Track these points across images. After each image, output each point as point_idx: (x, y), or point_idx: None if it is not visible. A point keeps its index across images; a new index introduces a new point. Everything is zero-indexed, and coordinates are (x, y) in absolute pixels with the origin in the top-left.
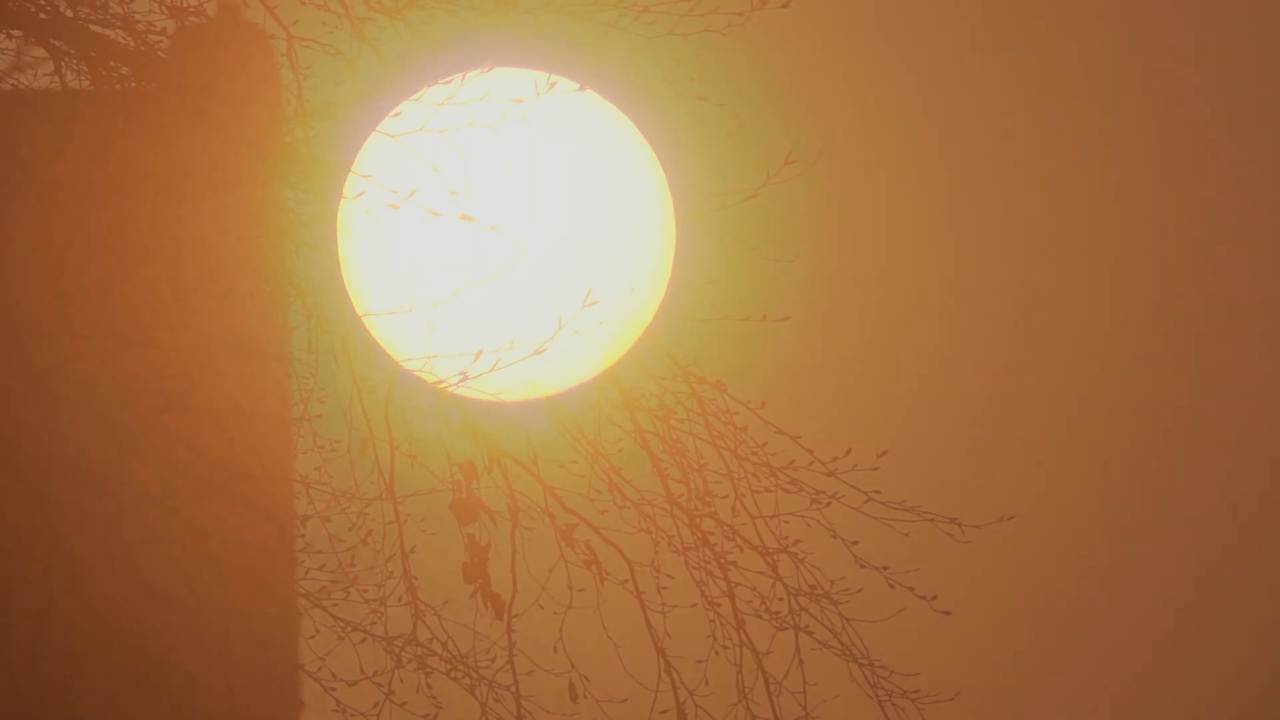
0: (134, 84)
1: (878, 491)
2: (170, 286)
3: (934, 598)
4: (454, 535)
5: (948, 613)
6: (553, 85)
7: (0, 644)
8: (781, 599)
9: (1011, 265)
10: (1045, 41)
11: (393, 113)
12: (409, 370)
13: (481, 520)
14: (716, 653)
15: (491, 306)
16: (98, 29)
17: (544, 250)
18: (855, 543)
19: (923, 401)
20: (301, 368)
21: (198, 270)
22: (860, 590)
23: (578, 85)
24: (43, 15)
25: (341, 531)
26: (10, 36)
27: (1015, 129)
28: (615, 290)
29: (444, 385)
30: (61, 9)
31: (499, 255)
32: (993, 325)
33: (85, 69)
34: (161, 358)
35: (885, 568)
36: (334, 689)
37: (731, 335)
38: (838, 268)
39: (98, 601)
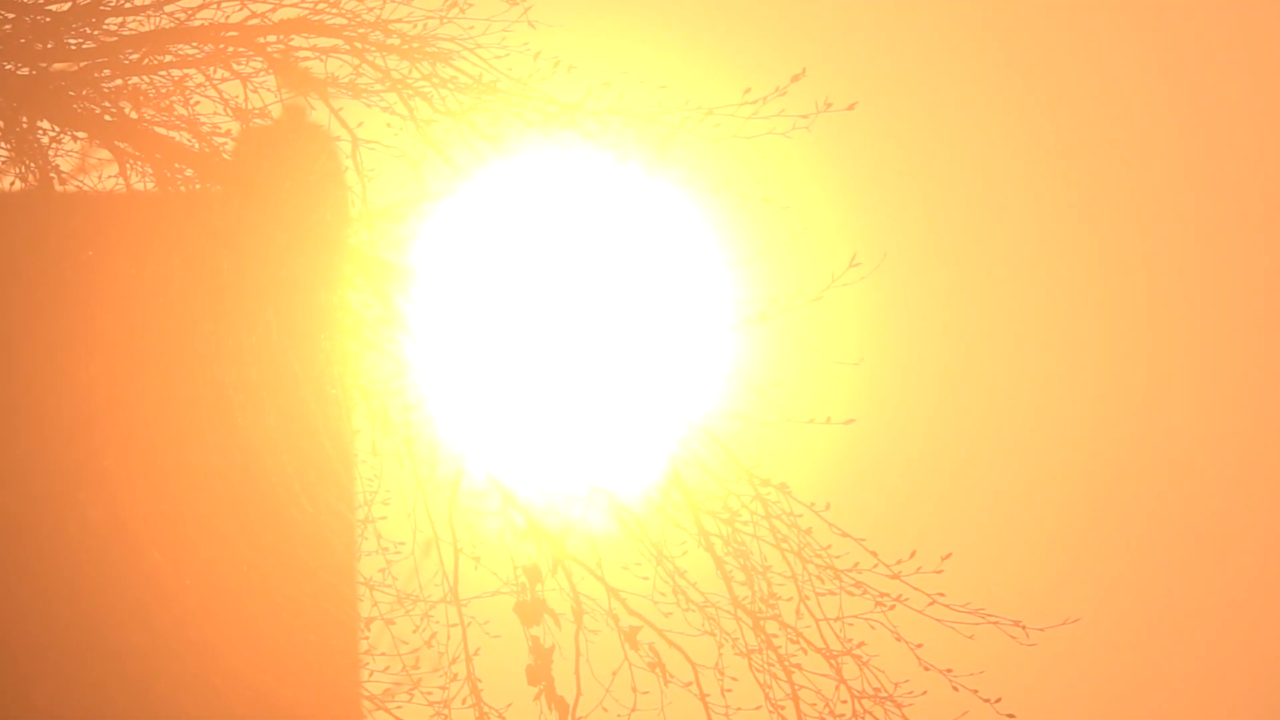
0: (198, 186)
1: (942, 594)
2: (235, 388)
3: (998, 700)
4: (518, 638)
5: (1012, 716)
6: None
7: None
8: (845, 702)
9: (1076, 369)
10: (1112, 143)
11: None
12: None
13: (546, 623)
14: None
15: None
16: (162, 131)
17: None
18: (919, 645)
19: (986, 504)
20: (366, 469)
21: (263, 372)
22: (924, 693)
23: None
24: (108, 117)
25: (405, 634)
26: (75, 138)
27: (1081, 232)
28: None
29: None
30: (126, 111)
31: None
32: (1056, 428)
33: (150, 170)
34: (225, 458)
35: (949, 670)
36: None
37: (796, 438)
38: (902, 370)
39: (157, 704)
